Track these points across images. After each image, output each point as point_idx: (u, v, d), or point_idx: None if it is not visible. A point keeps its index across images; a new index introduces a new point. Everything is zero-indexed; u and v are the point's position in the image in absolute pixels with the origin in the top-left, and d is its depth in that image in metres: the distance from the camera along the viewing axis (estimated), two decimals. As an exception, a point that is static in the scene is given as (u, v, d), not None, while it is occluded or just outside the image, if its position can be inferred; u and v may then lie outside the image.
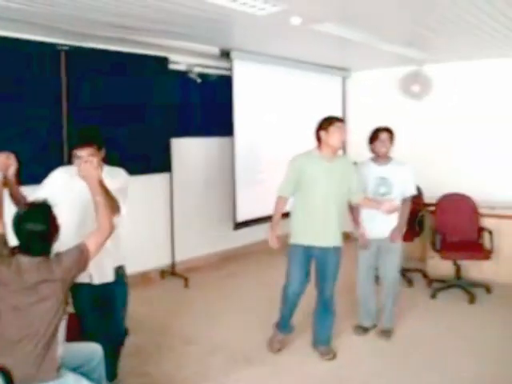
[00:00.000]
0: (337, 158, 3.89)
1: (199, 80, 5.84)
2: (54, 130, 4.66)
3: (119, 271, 3.30)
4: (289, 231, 3.94)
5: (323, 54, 6.37)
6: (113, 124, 5.08)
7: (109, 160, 3.24)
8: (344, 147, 7.59)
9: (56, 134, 4.67)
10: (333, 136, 3.76)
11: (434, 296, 5.22)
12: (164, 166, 5.60)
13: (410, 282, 5.65)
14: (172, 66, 5.60)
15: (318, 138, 3.85)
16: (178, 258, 5.89)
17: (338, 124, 3.80)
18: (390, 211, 3.90)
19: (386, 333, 4.31)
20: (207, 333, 4.39)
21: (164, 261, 5.86)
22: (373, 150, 4.37)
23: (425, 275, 5.78)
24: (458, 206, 5.58)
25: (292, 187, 3.88)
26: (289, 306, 4.03)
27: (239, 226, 5.99)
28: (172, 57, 5.56)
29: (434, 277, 5.65)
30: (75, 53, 4.72)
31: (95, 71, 4.91)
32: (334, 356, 3.98)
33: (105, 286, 3.20)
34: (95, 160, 2.85)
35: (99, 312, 3.23)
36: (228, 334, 4.38)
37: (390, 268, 4.33)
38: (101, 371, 2.81)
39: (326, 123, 3.81)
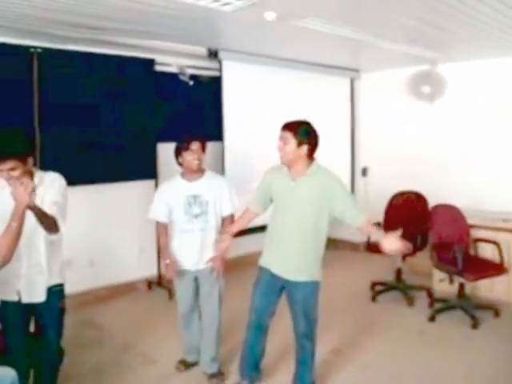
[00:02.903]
0: (307, 175, 3.15)
1: (191, 82, 5.60)
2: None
3: (53, 289, 3.01)
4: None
5: (326, 54, 5.98)
6: (92, 129, 4.92)
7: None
8: (352, 152, 7.20)
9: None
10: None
11: (432, 319, 4.71)
12: (149, 173, 5.35)
13: (410, 302, 5.15)
14: (159, 68, 5.36)
15: None
16: (165, 268, 5.61)
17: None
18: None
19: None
20: (173, 351, 4.02)
21: (151, 271, 5.62)
22: (181, 164, 3.58)
23: (429, 293, 5.27)
24: (450, 217, 5.06)
25: (259, 201, 3.41)
26: (249, 340, 3.43)
27: (238, 233, 5.64)
28: (159, 58, 5.32)
29: (439, 296, 5.15)
30: (49, 55, 4.54)
31: (71, 74, 4.73)
32: None
33: (34, 305, 2.94)
34: (31, 184, 2.54)
35: (26, 332, 3.01)
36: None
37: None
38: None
39: None
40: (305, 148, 3.11)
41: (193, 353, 3.85)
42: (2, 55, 4.30)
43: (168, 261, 3.60)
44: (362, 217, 3.16)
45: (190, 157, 3.47)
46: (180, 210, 3.54)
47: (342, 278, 5.96)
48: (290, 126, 3.14)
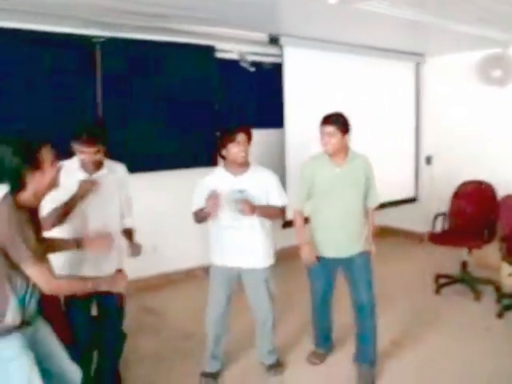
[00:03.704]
0: (348, 160, 3.39)
1: (252, 69, 5.56)
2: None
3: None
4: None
5: (390, 38, 5.73)
6: (153, 117, 4.97)
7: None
8: (417, 139, 6.96)
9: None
10: (320, 141, 3.39)
11: (500, 315, 4.48)
12: (210, 161, 5.34)
13: (477, 296, 4.92)
14: (220, 55, 5.35)
15: None
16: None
17: (321, 129, 3.38)
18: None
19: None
20: (231, 339, 3.92)
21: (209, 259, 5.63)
22: (224, 157, 3.38)
23: (497, 288, 5.01)
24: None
25: (307, 198, 3.54)
26: (316, 317, 3.79)
27: (288, 224, 5.59)
28: (219, 45, 5.30)
29: (508, 291, 4.90)
30: (111, 44, 4.62)
31: (132, 63, 4.79)
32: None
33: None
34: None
35: (89, 315, 3.12)
36: (245, 342, 3.97)
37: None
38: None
39: None
40: (347, 137, 3.36)
41: (217, 359, 3.61)
42: (66, 46, 4.39)
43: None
44: (374, 203, 3.59)
45: (235, 149, 3.24)
46: (225, 206, 3.30)
47: (406, 268, 5.83)
48: (332, 120, 3.33)
